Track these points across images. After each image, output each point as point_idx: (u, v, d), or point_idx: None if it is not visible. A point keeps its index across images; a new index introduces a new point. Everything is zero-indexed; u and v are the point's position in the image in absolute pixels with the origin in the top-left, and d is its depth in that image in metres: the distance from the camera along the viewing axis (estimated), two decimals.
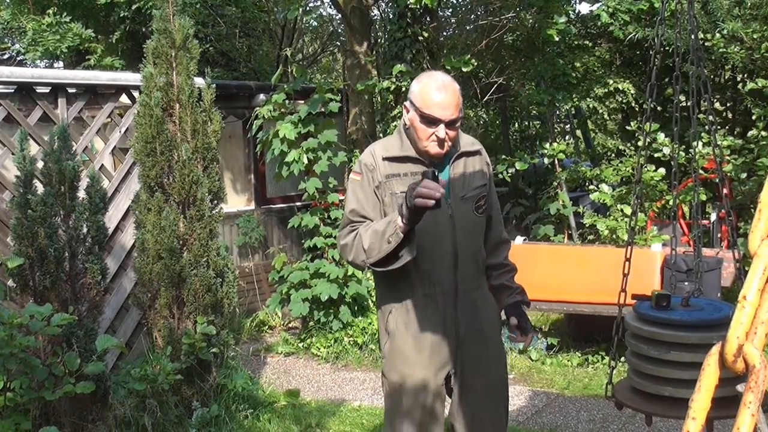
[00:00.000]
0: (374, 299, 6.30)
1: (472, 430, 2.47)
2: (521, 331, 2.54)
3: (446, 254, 2.39)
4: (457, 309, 2.42)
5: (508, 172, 7.67)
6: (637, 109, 9.42)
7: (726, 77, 8.88)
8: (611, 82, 8.85)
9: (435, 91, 2.31)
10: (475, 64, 7.21)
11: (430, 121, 2.30)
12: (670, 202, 5.88)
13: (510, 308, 2.56)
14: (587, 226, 7.31)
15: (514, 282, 2.62)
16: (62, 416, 3.67)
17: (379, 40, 8.03)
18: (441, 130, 2.30)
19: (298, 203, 7.54)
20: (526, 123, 12.17)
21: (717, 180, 3.16)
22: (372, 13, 8.12)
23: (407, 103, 2.39)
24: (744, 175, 6.66)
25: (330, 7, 11.01)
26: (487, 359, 2.50)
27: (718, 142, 3.26)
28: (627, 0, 7.91)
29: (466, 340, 2.44)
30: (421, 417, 2.40)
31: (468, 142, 2.52)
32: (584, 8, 19.34)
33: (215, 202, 4.42)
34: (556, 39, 7.87)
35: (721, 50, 6.72)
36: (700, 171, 6.44)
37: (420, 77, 2.42)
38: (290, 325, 6.82)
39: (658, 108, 8.33)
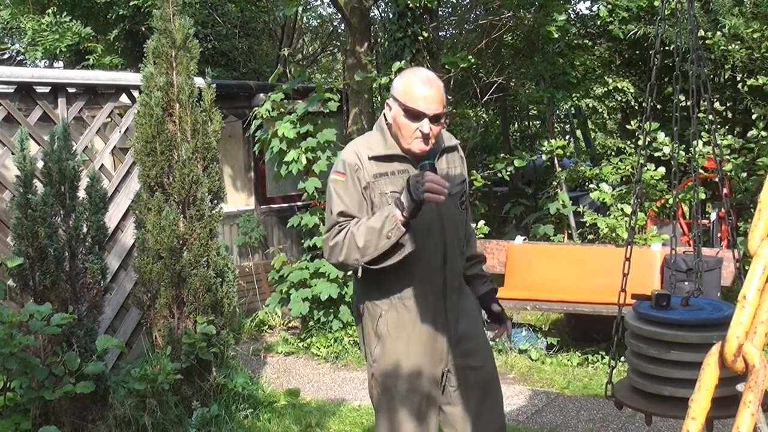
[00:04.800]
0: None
1: (475, 421, 2.45)
2: (497, 319, 2.59)
3: (436, 252, 2.36)
4: (446, 306, 2.40)
5: (507, 171, 7.67)
6: (636, 108, 9.41)
7: (726, 76, 8.88)
8: (611, 81, 8.85)
9: (419, 86, 2.27)
10: (473, 61, 7.21)
11: (414, 115, 2.26)
12: (670, 202, 5.88)
13: (485, 296, 2.59)
14: (587, 225, 7.31)
15: (485, 270, 2.66)
16: (62, 416, 3.68)
17: (379, 40, 8.03)
18: (425, 125, 2.26)
19: (299, 203, 7.53)
20: (526, 123, 12.18)
21: (717, 179, 3.16)
22: (372, 13, 8.12)
23: (389, 100, 2.35)
24: (744, 175, 6.66)
25: (330, 6, 11.00)
26: (478, 353, 2.49)
27: (718, 142, 3.26)
28: None
29: (456, 337, 2.42)
30: (416, 419, 2.37)
31: (447, 137, 2.51)
32: (584, 7, 19.34)
33: (215, 201, 4.42)
34: (556, 36, 7.87)
35: (721, 49, 6.71)
36: (700, 170, 6.45)
37: (403, 73, 2.38)
38: (290, 325, 6.83)
39: (658, 107, 8.33)
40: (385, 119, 2.38)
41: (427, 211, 2.26)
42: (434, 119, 2.27)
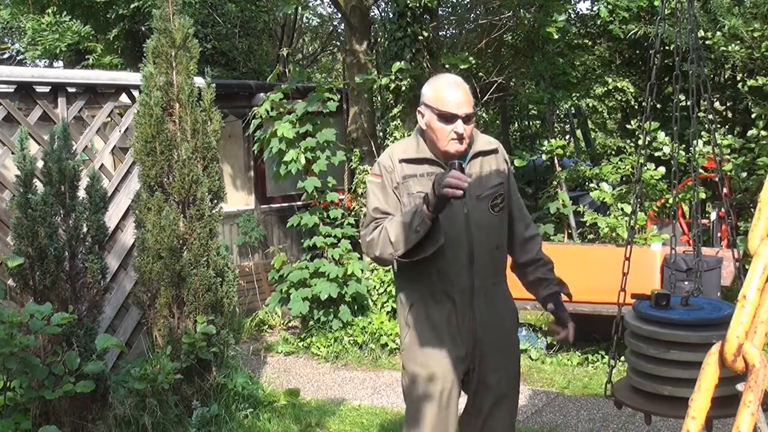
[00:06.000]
0: (375, 298, 6.37)
1: (486, 423, 2.56)
2: (559, 321, 2.60)
3: (462, 252, 2.44)
4: (473, 306, 2.47)
5: None
6: (636, 107, 9.41)
7: (726, 76, 8.87)
8: (611, 80, 8.85)
9: (448, 90, 2.40)
10: (473, 61, 7.20)
11: (448, 118, 2.38)
12: (670, 201, 5.88)
13: (547, 299, 2.61)
14: (587, 225, 7.30)
15: (552, 273, 2.65)
16: (62, 415, 3.68)
17: (379, 40, 8.02)
18: (459, 126, 2.38)
19: (299, 202, 7.53)
20: (526, 122, 12.19)
21: (717, 179, 3.16)
22: (372, 13, 8.11)
23: (422, 108, 2.48)
24: (744, 174, 6.67)
25: (330, 6, 11.00)
26: (504, 356, 2.56)
27: (718, 141, 3.26)
28: None
29: (484, 337, 2.49)
30: (436, 409, 2.46)
31: (485, 141, 2.58)
32: (584, 7, 19.35)
33: (215, 201, 4.42)
34: (555, 37, 7.87)
35: (721, 49, 6.71)
36: (700, 170, 6.45)
37: (430, 81, 2.51)
38: (290, 325, 6.83)
39: (658, 107, 8.33)
40: (419, 127, 2.51)
41: (455, 213, 2.39)
42: (466, 119, 2.40)
